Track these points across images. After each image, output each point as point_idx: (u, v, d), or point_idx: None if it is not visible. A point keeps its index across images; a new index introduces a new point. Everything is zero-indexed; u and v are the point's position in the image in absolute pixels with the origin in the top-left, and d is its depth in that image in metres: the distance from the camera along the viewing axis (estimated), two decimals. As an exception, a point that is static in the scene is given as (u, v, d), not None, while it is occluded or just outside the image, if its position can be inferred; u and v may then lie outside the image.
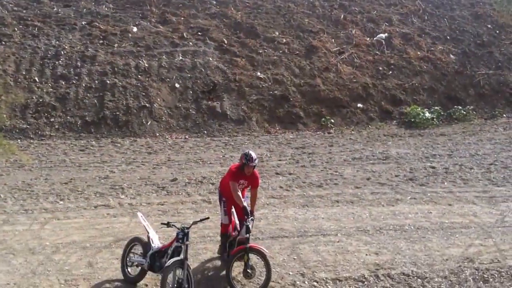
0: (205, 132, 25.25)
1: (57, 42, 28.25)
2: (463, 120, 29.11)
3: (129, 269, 11.59)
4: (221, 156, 21.81)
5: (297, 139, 25.12)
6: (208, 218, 11.98)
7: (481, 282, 12.19)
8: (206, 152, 22.47)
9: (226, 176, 12.24)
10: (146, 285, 11.40)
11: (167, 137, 24.27)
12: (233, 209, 12.06)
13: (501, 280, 12.32)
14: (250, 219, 11.61)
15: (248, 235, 11.40)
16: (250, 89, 27.82)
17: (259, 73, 28.74)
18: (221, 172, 19.17)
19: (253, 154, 11.80)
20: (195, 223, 11.28)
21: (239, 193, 11.66)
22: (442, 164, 21.41)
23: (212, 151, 22.59)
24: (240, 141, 24.35)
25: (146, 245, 11.41)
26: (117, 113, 24.87)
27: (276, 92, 27.92)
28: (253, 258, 11.58)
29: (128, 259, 11.65)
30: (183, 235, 10.75)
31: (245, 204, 11.61)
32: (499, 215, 16.22)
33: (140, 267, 11.40)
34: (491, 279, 12.32)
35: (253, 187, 12.16)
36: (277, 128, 26.49)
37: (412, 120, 28.09)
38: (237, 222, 11.98)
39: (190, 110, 26.14)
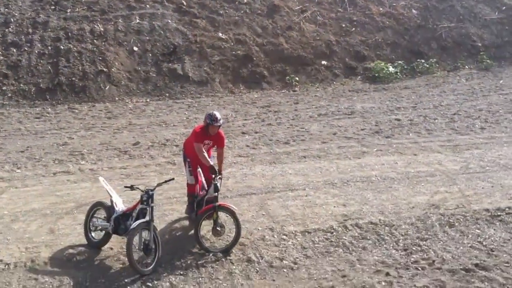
0: (167, 94, 25.03)
1: (6, 9, 27.53)
2: (426, 73, 29.48)
3: (92, 234, 11.49)
4: (184, 118, 21.68)
5: (262, 98, 25.09)
6: (173, 179, 11.91)
7: (447, 227, 12.37)
8: (169, 114, 22.32)
9: (190, 137, 12.20)
10: (111, 248, 11.32)
11: (127, 101, 24.01)
12: (200, 169, 12.03)
13: (466, 224, 12.54)
14: (218, 177, 11.58)
15: (216, 193, 11.40)
16: (212, 50, 27.59)
17: (220, 34, 28.50)
18: (185, 134, 19.11)
19: (218, 114, 11.75)
20: (159, 184, 11.26)
21: (205, 153, 11.61)
22: (406, 116, 21.70)
23: (175, 114, 22.45)
24: (204, 102, 24.22)
25: (110, 209, 11.32)
26: (73, 78, 24.45)
27: (239, 52, 27.75)
28: (222, 216, 11.59)
29: (91, 223, 11.54)
30: (147, 197, 10.69)
31: (211, 163, 11.56)
32: (463, 163, 16.54)
33: (104, 231, 11.32)
34: (456, 224, 12.52)
35: (219, 146, 12.14)
36: (241, 88, 26.38)
37: (376, 75, 28.27)
38: (204, 181, 11.97)
39: (150, 73, 25.84)
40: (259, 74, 27.30)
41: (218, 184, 11.53)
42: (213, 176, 11.45)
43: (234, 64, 27.36)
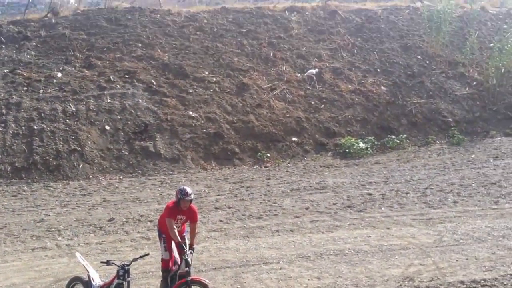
0: (140, 171, 25.45)
1: (-21, 91, 28.21)
2: (397, 148, 30.04)
3: (72, 308, 11.77)
4: (158, 195, 22.09)
5: (234, 174, 25.59)
6: (148, 254, 12.36)
7: (421, 300, 12.81)
8: (142, 191, 22.73)
9: (164, 213, 12.51)
10: (91, 322, 11.62)
11: (101, 178, 24.40)
12: (173, 244, 12.32)
13: (442, 297, 12.98)
14: (188, 252, 11.95)
15: (187, 268, 11.77)
16: (183, 128, 28.17)
17: (191, 112, 29.18)
18: (159, 209, 19.45)
19: (188, 189, 12.16)
20: (135, 259, 11.75)
21: (175, 230, 11.92)
22: (378, 190, 22.26)
23: (148, 190, 22.86)
24: (177, 179, 24.65)
25: (87, 283, 11.67)
26: (47, 157, 24.85)
27: (209, 130, 28.34)
28: (195, 289, 11.87)
29: (71, 297, 11.83)
30: (123, 272, 11.15)
31: (179, 239, 11.89)
32: (437, 236, 17.02)
33: (84, 305, 11.62)
34: (431, 297, 12.95)
35: (192, 221, 12.50)
36: (213, 165, 26.89)
37: (347, 150, 28.84)
38: (177, 256, 12.26)
39: (123, 151, 26.31)
40: (231, 150, 27.85)
41: (189, 259, 11.90)
42: (183, 251, 11.82)
43: (205, 141, 27.90)
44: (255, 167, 27.00)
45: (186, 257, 11.81)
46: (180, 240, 11.91)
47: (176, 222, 12.14)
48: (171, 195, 21.31)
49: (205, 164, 26.81)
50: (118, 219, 18.86)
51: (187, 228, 12.69)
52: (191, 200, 12.20)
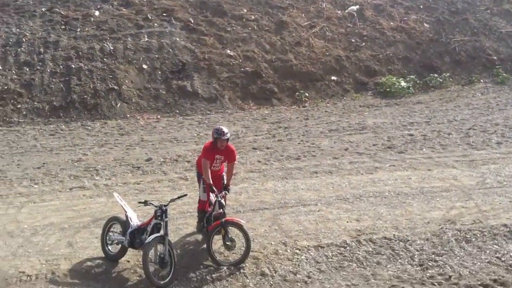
0: (177, 111, 25.42)
1: (17, 29, 28.21)
2: (439, 88, 29.65)
3: (109, 247, 11.92)
4: (195, 135, 22.06)
5: (272, 115, 25.45)
6: (185, 195, 12.32)
7: (463, 243, 12.59)
8: (179, 131, 22.72)
9: (201, 154, 12.50)
10: (128, 261, 11.74)
11: (138, 118, 24.44)
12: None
13: (484, 239, 12.74)
14: (221, 194, 11.96)
15: (221, 210, 11.75)
16: (220, 67, 27.99)
17: (228, 51, 28.95)
18: (196, 150, 19.51)
19: (224, 128, 12.12)
20: (173, 200, 11.73)
21: (208, 171, 11.93)
22: (420, 131, 21.98)
23: (186, 130, 22.84)
24: (214, 119, 24.58)
25: (125, 223, 11.73)
26: (85, 96, 24.93)
27: (247, 69, 28.14)
28: (234, 231, 11.90)
29: (107, 237, 11.98)
30: (161, 212, 11.13)
31: (210, 182, 11.86)
32: (480, 178, 16.73)
33: (120, 245, 11.71)
34: (473, 239, 12.72)
35: (230, 161, 12.47)
36: (251, 105, 26.75)
37: (388, 90, 28.53)
38: (212, 198, 12.25)
39: (160, 90, 26.27)
40: (269, 90, 27.67)
41: (223, 201, 11.91)
42: (214, 193, 11.87)
43: (243, 80, 27.74)
44: (293, 107, 26.81)
45: (219, 199, 11.82)
46: (211, 182, 11.89)
47: (215, 162, 12.17)
48: (209, 135, 21.25)
49: (242, 104, 26.69)
50: (155, 159, 18.89)
51: (225, 168, 12.66)
52: (227, 139, 12.15)
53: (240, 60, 28.53)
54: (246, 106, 26.52)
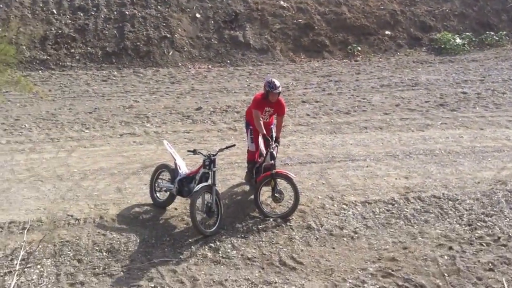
0: (228, 61, 25.30)
1: (72, -26, 28.25)
2: (495, 46, 28.87)
3: (157, 194, 11.99)
4: (245, 86, 21.94)
5: (323, 68, 25.10)
6: (234, 145, 12.31)
7: (514, 204, 12.35)
8: (230, 81, 22.61)
9: (251, 105, 12.39)
10: (176, 209, 11.81)
11: (189, 67, 24.38)
12: (260, 137, 12.20)
13: (536, 202, 12.46)
14: (274, 145, 11.84)
15: (272, 161, 11.64)
16: (273, 18, 27.64)
17: (282, 2, 28.54)
18: (246, 101, 19.44)
19: (277, 82, 11.90)
20: (221, 150, 11.64)
21: (261, 122, 11.81)
22: (473, 89, 21.45)
23: (236, 81, 22.73)
24: (265, 70, 24.40)
25: (174, 171, 11.75)
26: (138, 43, 24.92)
27: (300, 20, 27.73)
28: (282, 183, 11.86)
29: (156, 184, 12.04)
30: (209, 162, 11.09)
31: (264, 132, 11.76)
32: (533, 139, 16.28)
33: (168, 192, 11.78)
34: (525, 201, 12.45)
35: (279, 114, 12.32)
36: (302, 57, 26.44)
37: (443, 46, 27.84)
38: (263, 149, 12.14)
39: (212, 40, 26.12)
40: (320, 43, 27.27)
41: (274, 152, 11.79)
42: (269, 144, 11.71)
43: (295, 32, 27.36)
44: (344, 60, 26.41)
45: (272, 150, 11.70)
46: (265, 133, 11.78)
47: (264, 114, 12.02)
48: (259, 86, 21.21)
49: (293, 56, 26.40)
50: (205, 108, 18.86)
51: (274, 120, 12.53)
52: (279, 93, 11.98)
53: (293, 12, 28.11)
54: (297, 58, 26.23)
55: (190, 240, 10.78)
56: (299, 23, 27.61)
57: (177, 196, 11.67)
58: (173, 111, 18.49)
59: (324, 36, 27.44)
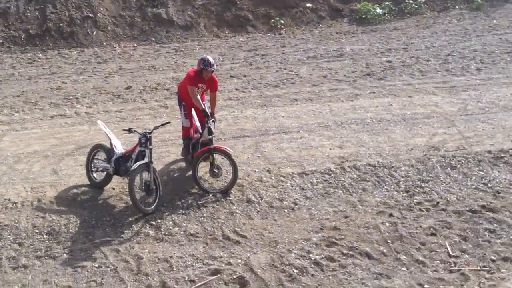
0: (153, 39, 24.99)
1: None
2: (415, 14, 29.45)
3: (94, 175, 11.81)
4: (173, 63, 21.70)
5: (248, 42, 25.08)
6: (169, 122, 12.11)
7: (448, 169, 12.53)
8: (157, 59, 22.35)
9: (184, 81, 12.29)
10: (113, 188, 11.64)
11: (115, 46, 23.95)
12: (194, 112, 12.14)
13: (469, 165, 12.69)
14: (211, 120, 11.77)
15: (210, 136, 11.59)
16: (196, -6, 27.40)
17: (202, -23, 28.30)
18: (175, 78, 19.31)
19: (211, 59, 11.83)
20: (156, 128, 11.52)
21: (198, 97, 11.74)
22: (398, 58, 21.79)
23: (163, 58, 22.48)
24: (190, 46, 24.21)
25: (109, 151, 11.60)
26: (61, 24, 24.33)
27: (222, -5, 27.60)
28: (218, 158, 11.80)
29: (92, 165, 11.85)
30: (145, 139, 10.98)
31: (204, 107, 11.72)
32: (461, 104, 16.63)
33: (105, 172, 11.60)
34: (458, 166, 12.66)
35: (212, 90, 12.26)
36: (227, 32, 26.35)
37: (364, 16, 28.21)
38: (198, 124, 12.13)
39: (135, 18, 25.73)
40: (244, 17, 27.21)
41: (212, 127, 11.74)
42: (206, 119, 11.64)
43: (218, 8, 27.23)
44: (269, 34, 26.43)
45: (209, 125, 11.64)
46: (204, 107, 11.72)
47: (197, 91, 11.88)
48: (186, 63, 21.12)
49: (218, 31, 26.29)
50: (135, 87, 18.58)
51: (206, 97, 12.48)
52: (213, 71, 11.92)
53: (215, -13, 27.91)
54: (221, 34, 26.14)
55: (130, 219, 10.65)
56: (222, -1, 27.46)
57: (114, 176, 11.50)
58: (102, 91, 18.13)
59: (247, 11, 27.39)
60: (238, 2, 27.42)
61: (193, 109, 12.12)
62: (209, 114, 11.81)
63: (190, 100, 11.90)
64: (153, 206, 10.84)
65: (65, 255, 9.60)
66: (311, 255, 9.53)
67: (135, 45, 24.31)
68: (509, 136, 14.27)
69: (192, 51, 23.16)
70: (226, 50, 23.69)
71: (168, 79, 19.36)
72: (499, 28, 26.50)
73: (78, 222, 10.51)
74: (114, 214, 10.86)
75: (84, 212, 10.84)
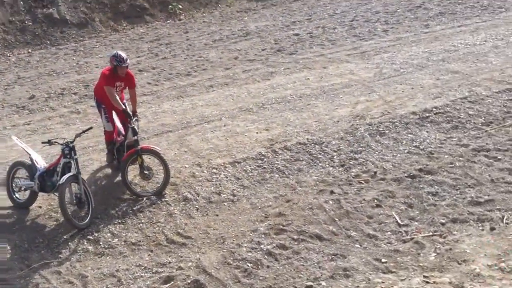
0: (48, 42, 24.19)
1: None
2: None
3: (17, 195, 11.41)
4: (74, 64, 21.02)
5: (148, 32, 24.64)
6: (91, 128, 11.82)
7: (378, 136, 12.83)
8: (56, 62, 21.59)
9: (100, 82, 11.96)
10: (40, 207, 11.26)
11: (8, 55, 23.03)
12: (114, 114, 11.79)
13: (397, 130, 13.04)
14: (134, 120, 11.52)
15: (135, 137, 11.33)
16: (83, -13, 26.67)
17: (86, -30, 27.59)
18: (80, 80, 18.82)
19: (123, 54, 11.62)
20: (78, 135, 11.14)
21: (117, 97, 11.48)
22: (304, 29, 22.00)
23: (63, 61, 21.75)
24: (89, 45, 23.55)
25: (31, 167, 11.21)
26: None
27: (112, -14, 26.98)
28: (146, 159, 11.56)
29: (14, 184, 11.44)
30: (69, 150, 10.65)
31: (124, 107, 11.50)
32: (376, 68, 17.03)
33: (29, 191, 11.24)
34: (387, 131, 12.99)
35: (131, 87, 12.04)
36: (124, 25, 25.81)
37: (262, -9, 28.27)
38: (120, 126, 11.80)
39: (26, 22, 24.81)
40: (139, 7, 26.68)
41: (136, 127, 11.47)
42: (129, 119, 11.39)
43: (112, 0, 26.63)
44: (168, 21, 26.09)
45: (133, 125, 11.36)
46: (124, 107, 11.48)
47: (115, 90, 11.62)
48: (89, 63, 20.69)
49: (115, 25, 25.72)
50: (39, 95, 17.86)
51: (125, 95, 12.25)
52: (127, 66, 11.68)
53: (102, -22, 27.23)
54: (119, 27, 25.59)
55: (65, 236, 10.35)
56: (113, -11, 26.85)
57: (40, 193, 11.14)
58: (4, 104, 17.38)
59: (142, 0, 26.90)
60: (131, -9, 26.91)
61: (113, 111, 11.77)
62: (131, 113, 11.57)
63: (109, 102, 11.59)
64: (87, 220, 10.54)
65: (2, 286, 9.23)
66: (262, 246, 9.54)
67: (30, 50, 23.47)
68: (429, 94, 14.75)
69: (93, 49, 22.59)
70: (127, 43, 23.20)
71: (74, 83, 18.77)
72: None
73: (9, 248, 10.09)
74: (46, 234, 10.51)
75: (14, 236, 10.43)
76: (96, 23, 25.53)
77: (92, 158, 13.02)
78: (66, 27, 25.00)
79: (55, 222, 10.76)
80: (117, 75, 11.60)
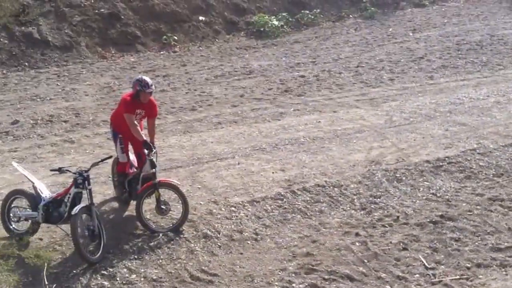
0: (27, 64, 24.25)
1: None
2: (312, 25, 30.97)
3: (14, 225, 11.45)
4: (60, 90, 21.24)
5: (141, 62, 25.16)
6: (111, 157, 12.02)
7: (395, 182, 13.67)
8: (37, 87, 21.73)
9: (119, 108, 12.09)
10: (41, 239, 11.37)
11: (-19, 76, 23.19)
12: (130, 145, 12.11)
13: (413, 177, 13.92)
14: (153, 152, 11.63)
15: (154, 170, 11.46)
16: (70, 9, 26.92)
17: (75, -10, 28.06)
18: (69, 108, 19.16)
19: (148, 79, 11.74)
20: (95, 164, 11.26)
21: (138, 127, 11.64)
22: (309, 72, 22.93)
23: (45, 85, 21.92)
24: (74, 70, 23.77)
25: (33, 196, 11.29)
26: None
27: (102, 10, 27.43)
28: (164, 193, 11.81)
29: (11, 214, 11.47)
30: (82, 179, 10.78)
31: (144, 138, 11.59)
32: (386, 116, 18.00)
33: (30, 221, 11.31)
34: (403, 178, 13.84)
35: (151, 116, 12.25)
36: (113, 52, 26.24)
37: (261, 29, 29.19)
38: (133, 158, 12.11)
39: (1, 39, 25.03)
40: (131, 34, 27.18)
41: (154, 159, 11.59)
42: (148, 151, 11.50)
43: (100, 24, 26.93)
44: (162, 52, 26.64)
45: (151, 157, 11.49)
46: (145, 139, 11.60)
47: (135, 118, 11.76)
48: (76, 89, 20.95)
49: (103, 51, 26.13)
50: (23, 121, 18.02)
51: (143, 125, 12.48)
52: (151, 92, 11.85)
53: (92, 1, 27.69)
54: (107, 54, 26.00)
55: (74, 271, 10.44)
56: (102, 13, 27.27)
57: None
58: (-17, 127, 17.61)
59: (134, 26, 27.42)
60: (122, 17, 27.35)
61: (129, 142, 12.08)
62: (151, 145, 11.71)
63: (127, 131, 11.75)
64: (99, 254, 10.63)
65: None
66: (293, 284, 10.07)
67: (5, 71, 23.54)
68: (440, 144, 15.75)
69: (79, 76, 22.88)
70: (118, 72, 23.64)
71: (62, 110, 18.98)
72: (397, 36, 28.72)
73: (12, 285, 10.12)
74: (52, 267, 10.56)
75: (20, 270, 10.51)
76: (82, 47, 25.90)
77: (95, 191, 13.06)
78: (47, 49, 25.23)
79: (60, 256, 10.88)
80: (139, 101, 11.78)
